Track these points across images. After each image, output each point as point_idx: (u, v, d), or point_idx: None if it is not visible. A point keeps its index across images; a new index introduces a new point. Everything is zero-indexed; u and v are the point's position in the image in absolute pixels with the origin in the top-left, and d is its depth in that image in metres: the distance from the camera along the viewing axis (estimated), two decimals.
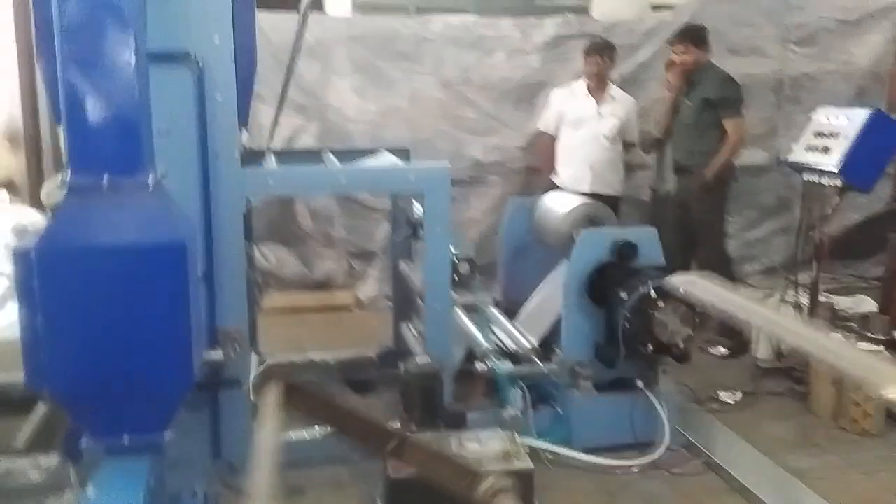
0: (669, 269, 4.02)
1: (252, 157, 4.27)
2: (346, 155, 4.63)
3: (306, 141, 6.40)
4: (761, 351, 5.07)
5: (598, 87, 5.92)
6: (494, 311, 4.69)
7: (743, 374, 5.08)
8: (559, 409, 4.09)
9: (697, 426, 4.27)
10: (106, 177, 2.45)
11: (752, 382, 4.93)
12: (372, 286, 6.58)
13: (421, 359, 3.49)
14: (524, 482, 3.27)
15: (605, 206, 4.57)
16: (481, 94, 6.73)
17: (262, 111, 6.43)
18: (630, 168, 6.56)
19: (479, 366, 4.06)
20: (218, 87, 3.29)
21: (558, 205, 4.60)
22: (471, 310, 4.82)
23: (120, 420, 2.67)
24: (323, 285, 6.56)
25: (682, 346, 3.84)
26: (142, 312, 2.55)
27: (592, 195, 5.89)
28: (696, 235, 5.53)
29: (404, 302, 4.88)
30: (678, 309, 3.77)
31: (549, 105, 6.21)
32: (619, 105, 6.00)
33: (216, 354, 3.47)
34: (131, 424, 2.67)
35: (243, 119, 3.69)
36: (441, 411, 3.36)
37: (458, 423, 3.38)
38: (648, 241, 4.05)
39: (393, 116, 6.53)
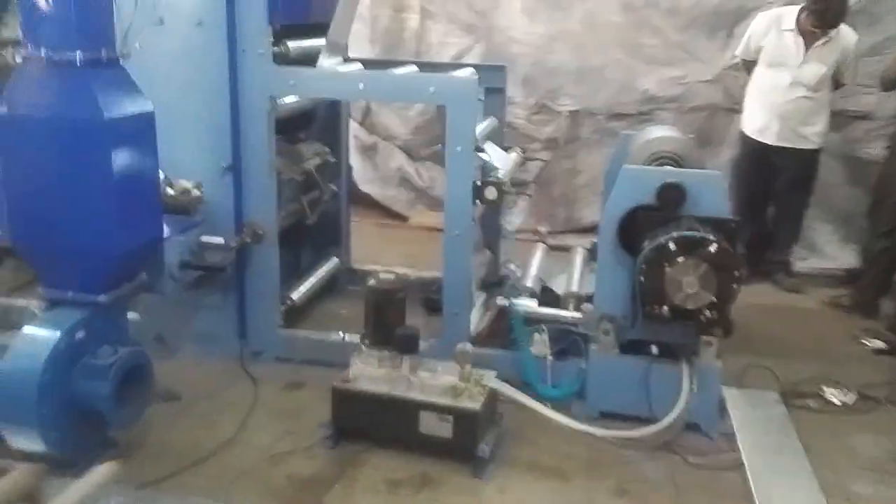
0: (735, 224, 3.32)
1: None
2: (433, 68, 4.48)
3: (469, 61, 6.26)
4: None
5: (814, 25, 4.89)
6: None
7: (889, 376, 4.10)
8: (584, 365, 3.65)
9: (753, 416, 3.56)
10: (57, 50, 2.72)
11: (889, 386, 3.95)
12: (518, 215, 6.33)
13: (385, 275, 3.33)
14: (464, 423, 3.04)
15: (690, 143, 3.85)
16: (668, 19, 5.99)
17: (431, 28, 6.43)
18: (844, 117, 5.48)
19: (500, 300, 3.76)
20: None
21: (641, 138, 4.00)
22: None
23: (65, 277, 2.99)
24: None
25: (707, 313, 3.18)
26: (73, 181, 2.82)
27: (779, 149, 5.06)
28: None
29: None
30: (699, 268, 3.11)
31: (748, 32, 5.32)
32: (832, 46, 4.94)
33: (217, 239, 3.64)
34: (74, 283, 2.97)
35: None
36: (393, 332, 3.18)
37: (406, 346, 3.18)
38: (707, 187, 3.36)
39: (561, 40, 6.12)
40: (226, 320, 3.97)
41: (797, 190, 5.30)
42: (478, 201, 3.69)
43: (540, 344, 3.69)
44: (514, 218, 6.33)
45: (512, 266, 4.38)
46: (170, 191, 3.65)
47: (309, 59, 3.86)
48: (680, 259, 3.14)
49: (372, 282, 3.25)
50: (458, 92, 3.56)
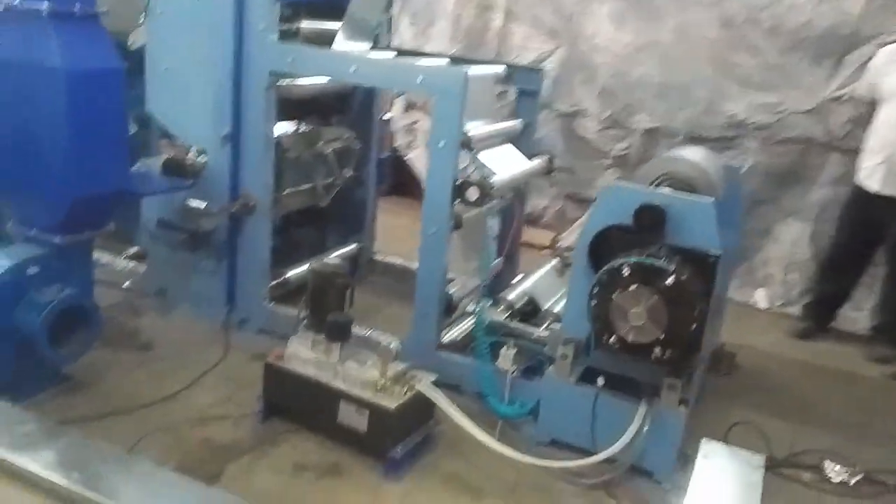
0: (714, 259, 3.00)
1: None
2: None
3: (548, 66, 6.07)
4: None
5: None
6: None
7: None
8: None
9: (718, 476, 3.20)
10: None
11: None
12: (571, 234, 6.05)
13: (332, 260, 3.27)
14: (379, 420, 2.96)
15: (710, 169, 3.50)
16: (769, 38, 5.49)
17: (514, 30, 6.30)
18: None
19: (469, 307, 3.61)
20: None
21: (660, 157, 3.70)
22: None
23: (28, 216, 3.20)
24: (530, 219, 6.25)
25: (658, 351, 2.88)
26: (33, 125, 3.01)
27: (883, 198, 4.54)
28: None
29: None
30: (648, 299, 2.83)
31: (868, 66, 4.81)
32: None
33: (200, 204, 3.75)
34: (36, 222, 3.17)
35: None
36: (328, 317, 3.13)
37: (336, 333, 3.12)
38: (693, 214, 3.05)
39: (647, 52, 5.79)
40: (217, 285, 4.08)
41: None
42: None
43: (506, 358, 3.51)
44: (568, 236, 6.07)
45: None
46: (190, 156, 3.82)
47: (325, 39, 3.88)
48: (631, 287, 2.87)
49: (317, 265, 3.21)
50: (446, 84, 3.44)
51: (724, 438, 3.46)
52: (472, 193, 3.53)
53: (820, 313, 5.07)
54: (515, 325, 3.61)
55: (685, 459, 3.27)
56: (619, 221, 3.13)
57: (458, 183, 3.53)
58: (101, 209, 3.22)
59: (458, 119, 3.44)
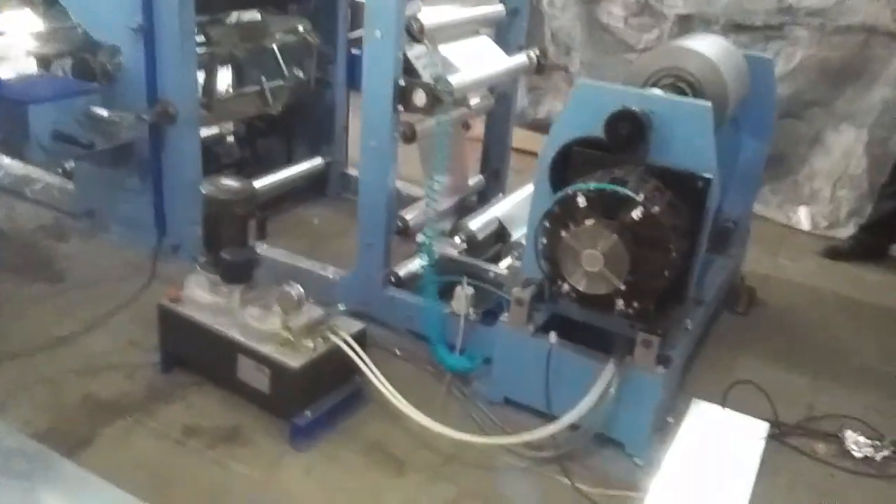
0: (704, 183, 2.30)
1: None
2: None
3: None
4: None
5: None
6: None
7: None
8: None
9: (706, 448, 2.61)
10: None
11: None
12: None
13: (228, 181, 2.66)
14: (281, 380, 2.43)
15: (724, 65, 2.72)
16: None
17: None
18: None
19: (419, 237, 2.99)
20: None
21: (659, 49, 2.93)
22: None
23: None
24: (543, 126, 5.48)
25: (620, 303, 2.24)
26: None
27: None
28: None
29: None
30: (606, 240, 2.16)
31: None
32: None
33: (102, 112, 3.19)
34: None
35: None
36: (221, 253, 2.57)
37: (231, 273, 2.57)
38: (686, 124, 2.34)
39: None
40: (145, 207, 3.55)
41: None
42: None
43: (459, 300, 2.91)
44: None
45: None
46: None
47: None
48: (586, 222, 2.20)
49: (209, 187, 2.62)
50: None
51: (723, 399, 2.84)
52: (419, 98, 2.86)
53: (875, 238, 4.28)
54: (468, 260, 2.99)
55: (665, 429, 2.69)
56: (590, 133, 2.44)
57: (402, 85, 2.86)
58: None
59: (395, 3, 2.73)
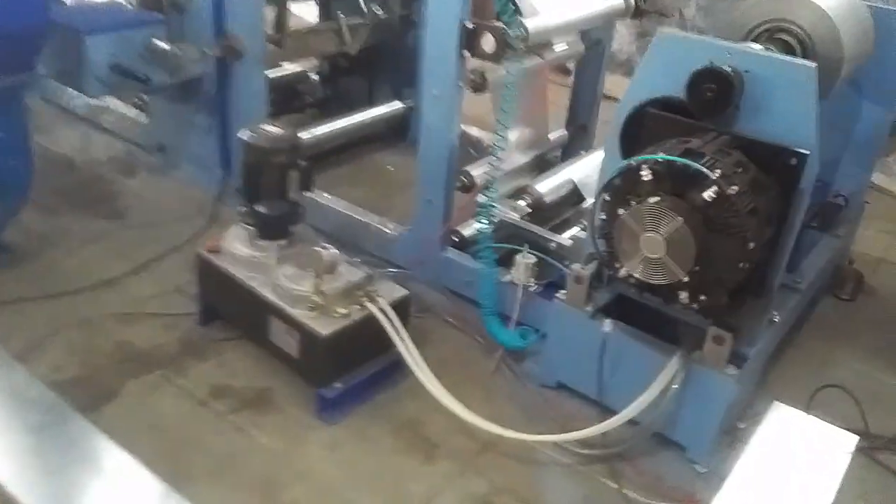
0: (799, 160, 1.93)
1: None
2: None
3: None
4: None
5: None
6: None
7: None
8: None
9: (779, 459, 2.27)
10: None
11: None
12: None
13: (272, 128, 2.46)
14: (310, 347, 2.29)
15: (832, 24, 2.28)
16: None
17: None
18: None
19: (480, 197, 2.73)
20: None
21: None
22: None
23: None
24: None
25: (683, 295, 1.92)
26: None
27: None
28: None
29: None
30: (670, 222, 1.84)
31: None
32: None
33: (163, 45, 3.06)
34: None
35: None
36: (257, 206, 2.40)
37: (266, 227, 2.40)
38: (782, 89, 1.96)
39: None
40: (212, 146, 3.44)
41: None
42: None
43: (520, 269, 2.65)
44: None
45: None
46: None
47: None
48: (651, 199, 1.88)
49: (249, 133, 2.44)
50: None
51: (808, 403, 2.48)
52: (488, 43, 2.56)
53: None
54: (528, 226, 2.71)
55: (735, 435, 2.37)
56: (670, 93, 2.09)
57: (469, 27, 2.57)
58: (14, 49, 2.58)
59: None
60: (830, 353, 2.83)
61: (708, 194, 1.80)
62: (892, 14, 2.65)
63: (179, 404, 2.37)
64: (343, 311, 2.31)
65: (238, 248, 2.49)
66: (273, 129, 2.43)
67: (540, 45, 2.76)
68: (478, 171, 2.93)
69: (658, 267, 1.89)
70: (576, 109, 3.59)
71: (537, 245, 2.67)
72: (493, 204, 2.65)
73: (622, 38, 5.23)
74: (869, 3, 2.54)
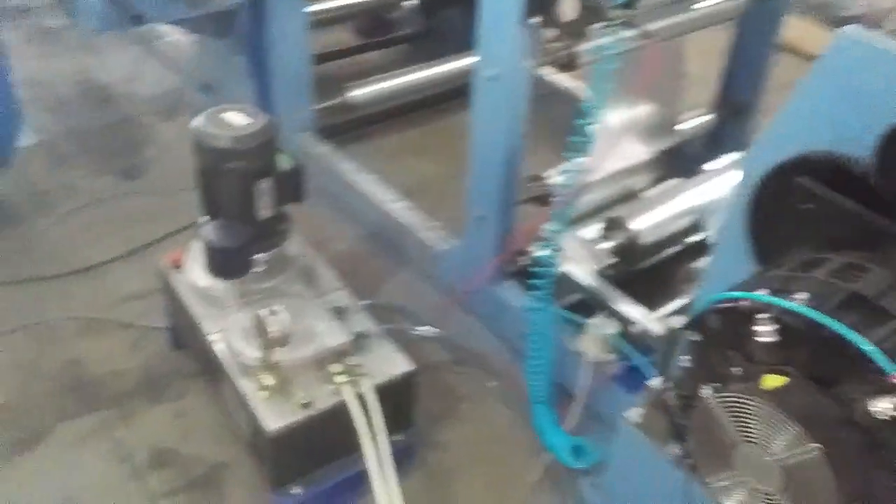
0: None
1: None
2: None
3: None
4: None
5: None
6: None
7: None
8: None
9: None
10: None
11: None
12: None
13: (236, 114, 1.73)
14: (260, 439, 1.69)
15: None
16: None
17: None
18: None
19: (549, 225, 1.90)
20: None
21: None
22: None
23: None
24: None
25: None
26: None
27: None
28: None
29: None
30: (792, 436, 0.97)
31: None
32: None
33: None
34: None
35: None
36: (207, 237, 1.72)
37: (216, 265, 1.71)
38: None
39: None
40: (251, 91, 2.78)
41: None
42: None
43: (591, 339, 1.84)
44: None
45: None
46: None
47: None
48: (767, 385, 1.01)
49: (201, 122, 1.73)
50: None
51: None
52: (569, 6, 1.67)
53: None
54: (598, 287, 1.85)
55: None
56: (843, 148, 1.16)
57: None
58: None
59: None
60: None
61: (885, 407, 0.92)
62: None
63: (109, 471, 1.83)
64: (303, 395, 1.62)
65: (196, 273, 1.85)
66: (237, 115, 1.71)
67: (650, 12, 1.82)
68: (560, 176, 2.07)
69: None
70: (732, 78, 2.57)
71: (613, 317, 1.83)
72: (557, 241, 1.82)
73: None
74: None
